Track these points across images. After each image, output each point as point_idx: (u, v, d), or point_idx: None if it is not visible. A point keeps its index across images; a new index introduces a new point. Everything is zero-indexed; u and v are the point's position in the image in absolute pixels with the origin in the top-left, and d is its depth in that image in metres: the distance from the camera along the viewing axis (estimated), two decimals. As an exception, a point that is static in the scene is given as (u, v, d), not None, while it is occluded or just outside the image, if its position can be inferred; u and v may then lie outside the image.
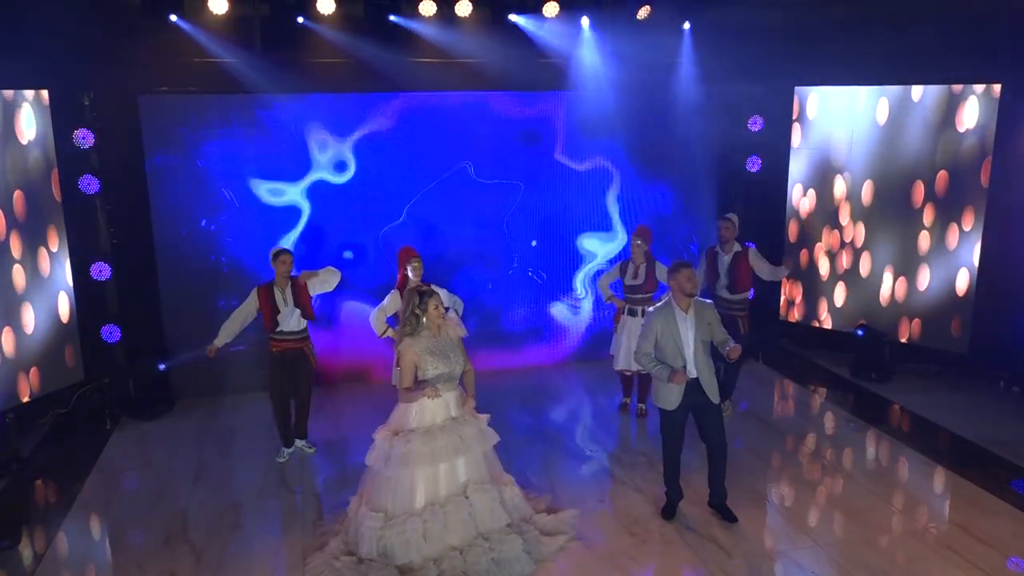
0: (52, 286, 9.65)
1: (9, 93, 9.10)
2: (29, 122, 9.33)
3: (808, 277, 11.80)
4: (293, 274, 8.62)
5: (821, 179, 11.48)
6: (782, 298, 12.03)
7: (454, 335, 6.64)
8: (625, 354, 9.59)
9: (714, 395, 7.04)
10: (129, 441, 9.47)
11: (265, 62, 9.93)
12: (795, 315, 11.99)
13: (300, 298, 8.58)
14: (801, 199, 11.72)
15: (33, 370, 9.40)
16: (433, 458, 6.40)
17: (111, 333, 9.98)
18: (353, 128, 10.54)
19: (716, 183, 11.77)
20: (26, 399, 9.32)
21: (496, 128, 10.92)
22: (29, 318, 9.33)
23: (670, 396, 7.03)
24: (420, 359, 6.44)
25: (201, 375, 10.42)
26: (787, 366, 11.36)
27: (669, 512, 7.48)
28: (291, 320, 8.54)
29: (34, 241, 9.41)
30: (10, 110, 9.10)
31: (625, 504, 7.70)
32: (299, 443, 9.05)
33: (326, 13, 10.00)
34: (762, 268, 9.95)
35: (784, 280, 11.90)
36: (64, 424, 9.68)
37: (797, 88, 11.48)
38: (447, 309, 7.32)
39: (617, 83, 10.99)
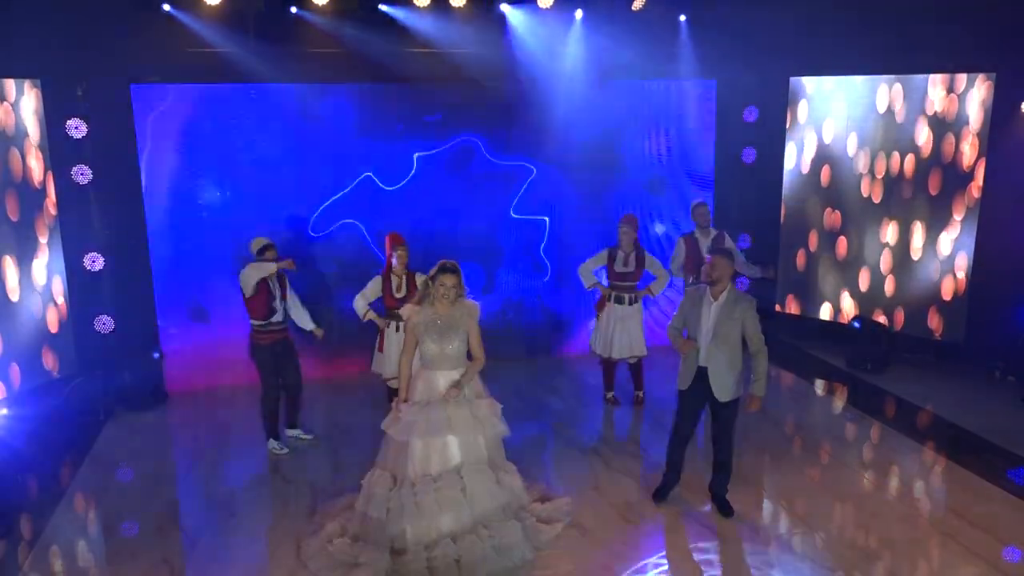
0: (44, 276, 9.61)
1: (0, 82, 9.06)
2: (20, 111, 9.29)
3: (804, 268, 11.78)
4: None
5: (816, 169, 11.46)
6: (778, 291, 12.02)
7: (461, 314, 6.53)
8: (604, 341, 9.61)
9: (722, 392, 6.89)
10: (122, 431, 9.42)
11: (259, 51, 9.85)
12: (792, 307, 11.97)
13: (285, 290, 8.63)
14: (796, 189, 11.70)
15: (25, 361, 9.36)
16: (422, 432, 6.42)
17: (104, 324, 9.93)
18: (350, 117, 10.51)
19: (712, 174, 11.74)
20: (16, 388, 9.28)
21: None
22: (21, 308, 9.30)
23: (684, 374, 7.06)
24: (418, 331, 6.49)
25: (195, 366, 10.41)
26: (783, 357, 11.32)
27: (660, 494, 7.44)
28: (280, 310, 8.52)
29: (26, 231, 9.37)
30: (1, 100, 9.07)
31: (619, 491, 7.69)
32: (293, 432, 9.02)
33: (320, 3, 9.94)
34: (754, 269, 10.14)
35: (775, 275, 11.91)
36: (57, 415, 9.56)
37: (792, 78, 11.45)
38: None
39: (610, 74, 11.01)
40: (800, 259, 11.81)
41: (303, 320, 8.76)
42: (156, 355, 10.18)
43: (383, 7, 10.19)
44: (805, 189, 11.61)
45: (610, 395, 9.97)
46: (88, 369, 9.97)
